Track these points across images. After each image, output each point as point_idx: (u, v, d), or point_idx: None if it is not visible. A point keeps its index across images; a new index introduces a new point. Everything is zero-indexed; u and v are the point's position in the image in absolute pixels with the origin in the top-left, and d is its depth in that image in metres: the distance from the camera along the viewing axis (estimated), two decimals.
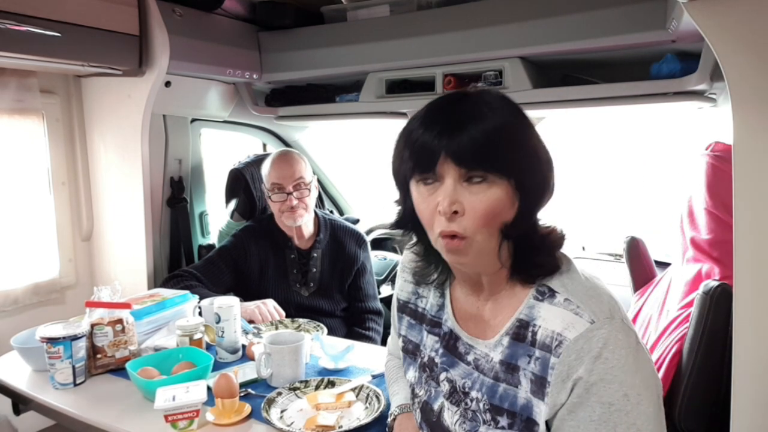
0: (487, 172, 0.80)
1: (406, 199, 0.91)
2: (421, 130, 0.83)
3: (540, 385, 0.81)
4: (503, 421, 0.85)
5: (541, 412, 0.81)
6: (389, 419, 1.11)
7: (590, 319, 0.79)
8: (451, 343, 0.96)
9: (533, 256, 0.87)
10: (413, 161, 0.84)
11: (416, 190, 0.86)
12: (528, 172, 0.83)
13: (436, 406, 0.97)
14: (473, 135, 0.79)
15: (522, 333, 0.85)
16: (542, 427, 0.81)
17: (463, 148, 0.79)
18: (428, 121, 0.83)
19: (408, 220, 0.93)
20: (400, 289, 1.11)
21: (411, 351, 1.06)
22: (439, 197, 0.82)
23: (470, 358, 0.92)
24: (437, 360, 0.98)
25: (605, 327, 0.78)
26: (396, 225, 0.97)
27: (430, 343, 1.01)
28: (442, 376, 0.96)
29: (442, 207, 0.81)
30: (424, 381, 1.01)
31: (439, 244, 0.86)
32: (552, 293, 0.84)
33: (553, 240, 0.88)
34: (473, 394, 0.90)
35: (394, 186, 0.94)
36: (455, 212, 0.81)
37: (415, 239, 1.00)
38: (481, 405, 0.88)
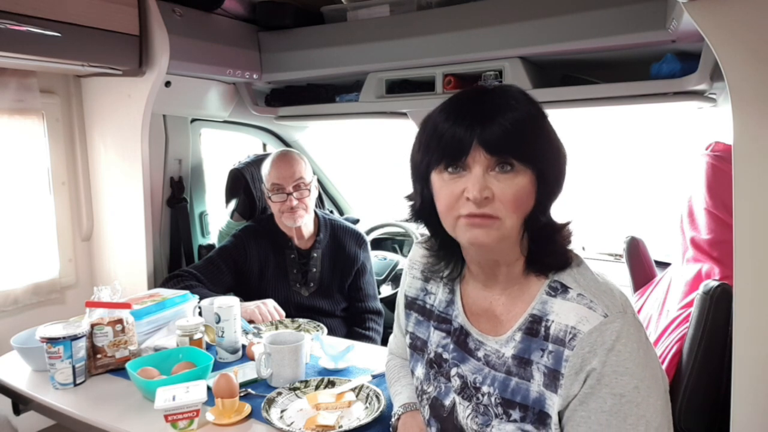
0: (516, 161, 0.82)
1: (423, 191, 0.92)
2: (450, 122, 0.84)
3: (553, 377, 0.82)
4: (515, 414, 0.86)
5: (553, 404, 0.82)
6: (393, 419, 1.11)
7: (603, 313, 0.81)
8: (461, 339, 0.97)
9: (549, 246, 0.89)
10: (442, 151, 0.85)
11: (439, 178, 0.87)
12: (549, 163, 0.85)
13: (447, 402, 0.98)
14: (504, 124, 0.81)
15: (535, 328, 0.86)
16: (554, 419, 0.83)
17: (495, 137, 0.81)
18: (456, 113, 0.85)
19: (424, 212, 0.94)
20: (409, 285, 1.11)
21: (419, 348, 1.07)
22: (466, 184, 0.83)
23: (480, 354, 0.93)
24: (446, 356, 0.99)
25: (618, 320, 0.80)
26: (411, 217, 0.98)
27: (436, 339, 1.02)
28: (453, 371, 0.97)
29: (472, 193, 0.82)
30: (433, 377, 1.01)
31: (461, 226, 0.86)
32: (565, 289, 0.86)
33: (566, 234, 0.90)
34: (484, 389, 0.91)
35: (411, 178, 0.95)
36: (485, 198, 0.82)
37: (426, 234, 1.01)
38: (492, 399, 0.89)
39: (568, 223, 0.91)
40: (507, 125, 0.81)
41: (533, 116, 0.85)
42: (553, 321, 0.84)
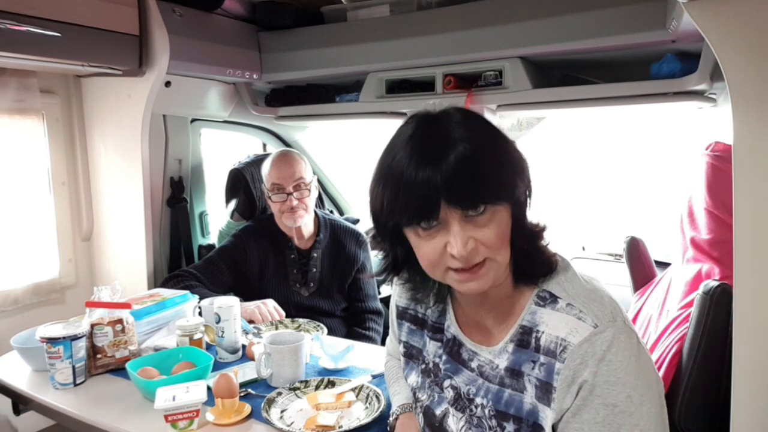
0: (489, 204, 0.79)
1: (395, 248, 0.89)
2: (411, 180, 0.79)
3: (545, 390, 0.82)
4: (509, 426, 0.85)
5: (547, 417, 0.82)
6: (391, 419, 1.11)
7: (593, 323, 0.80)
8: (454, 350, 0.96)
9: (532, 254, 0.87)
10: (411, 213, 0.80)
11: (413, 234, 0.84)
12: (517, 186, 0.83)
13: (438, 412, 0.97)
14: (466, 172, 0.77)
15: (526, 339, 0.85)
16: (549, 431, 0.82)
17: (462, 192, 0.77)
18: (414, 168, 0.79)
19: (401, 265, 0.92)
20: (399, 295, 1.10)
21: (413, 356, 1.06)
22: (446, 237, 0.80)
23: (474, 364, 0.92)
24: (441, 366, 0.98)
25: (608, 330, 0.79)
26: (387, 273, 0.95)
27: (432, 349, 1.01)
28: (446, 383, 0.96)
29: (456, 251, 0.79)
30: (427, 386, 1.01)
31: (452, 279, 0.84)
32: (554, 298, 0.85)
33: (539, 232, 0.89)
34: (478, 400, 0.90)
35: (377, 234, 0.90)
36: (471, 250, 0.79)
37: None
38: (486, 411, 0.89)
39: (544, 227, 0.89)
40: (470, 173, 0.77)
41: (490, 146, 0.81)
42: (543, 332, 0.83)
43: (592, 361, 0.78)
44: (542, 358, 0.83)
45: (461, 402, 0.93)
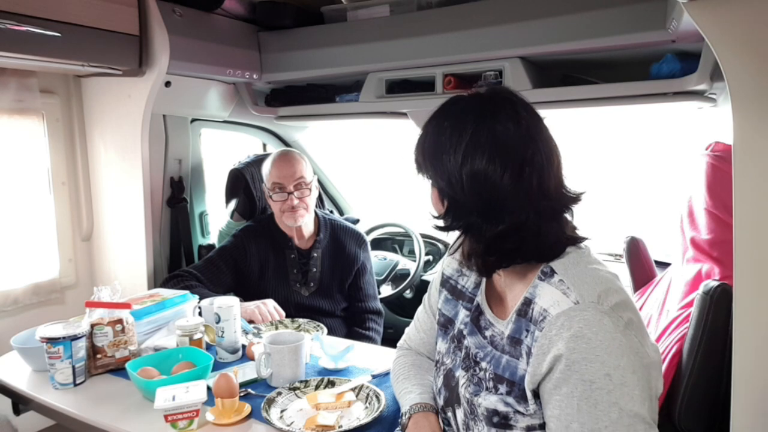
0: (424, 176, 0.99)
1: None
2: None
3: (528, 355, 0.87)
4: (503, 388, 0.92)
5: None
6: (404, 418, 1.10)
7: (575, 300, 0.83)
8: (475, 315, 1.04)
9: (526, 236, 0.91)
10: None
11: None
12: (442, 180, 0.94)
13: (457, 374, 1.04)
14: (415, 147, 1.00)
15: (524, 309, 0.91)
16: (530, 395, 0.87)
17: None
18: None
19: None
20: (447, 264, 1.18)
21: (443, 324, 1.13)
22: None
23: (488, 333, 0.99)
24: (465, 332, 1.05)
25: (589, 310, 0.82)
26: None
27: (462, 317, 1.08)
28: (464, 342, 1.04)
29: None
30: (452, 351, 1.08)
31: None
32: (552, 274, 0.90)
33: (551, 227, 0.92)
34: (483, 365, 0.97)
35: None
36: None
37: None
38: (487, 374, 0.95)
39: (553, 214, 0.93)
40: (415, 148, 1.00)
41: (423, 134, 0.98)
42: (536, 303, 0.88)
43: (567, 335, 0.81)
44: (531, 327, 0.88)
45: (468, 361, 1.01)
